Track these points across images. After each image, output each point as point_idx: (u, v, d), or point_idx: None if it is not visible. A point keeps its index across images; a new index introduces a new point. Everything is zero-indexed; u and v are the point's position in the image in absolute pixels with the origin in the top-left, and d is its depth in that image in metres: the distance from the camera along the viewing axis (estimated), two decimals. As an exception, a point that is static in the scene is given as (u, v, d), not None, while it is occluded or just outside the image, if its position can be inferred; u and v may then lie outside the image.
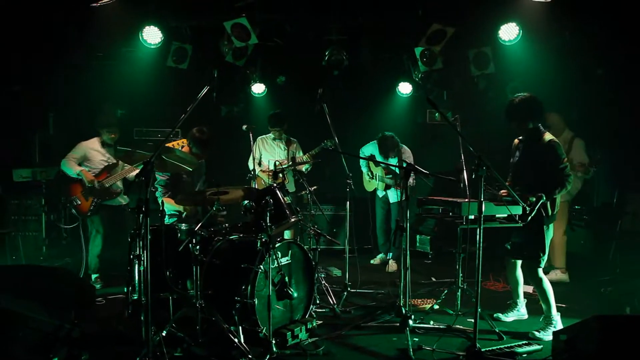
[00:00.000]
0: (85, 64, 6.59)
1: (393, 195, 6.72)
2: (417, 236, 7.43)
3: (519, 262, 4.55)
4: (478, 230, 3.54)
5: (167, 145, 4.07)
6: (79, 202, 5.53)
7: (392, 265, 6.63)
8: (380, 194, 6.90)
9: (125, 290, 4.07)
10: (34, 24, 5.71)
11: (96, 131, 5.74)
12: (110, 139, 5.69)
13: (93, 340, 3.94)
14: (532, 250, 4.25)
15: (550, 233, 4.28)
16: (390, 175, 6.63)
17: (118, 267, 5.72)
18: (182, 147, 4.88)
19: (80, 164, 5.56)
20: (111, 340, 4.05)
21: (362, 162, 6.91)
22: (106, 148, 5.68)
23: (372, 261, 7.03)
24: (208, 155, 5.10)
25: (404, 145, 6.66)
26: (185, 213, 4.65)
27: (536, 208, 4.01)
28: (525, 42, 5.95)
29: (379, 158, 6.63)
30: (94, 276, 5.71)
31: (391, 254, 6.78)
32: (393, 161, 6.59)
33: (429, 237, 7.32)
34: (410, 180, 6.10)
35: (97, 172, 5.61)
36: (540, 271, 4.28)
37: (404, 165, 4.26)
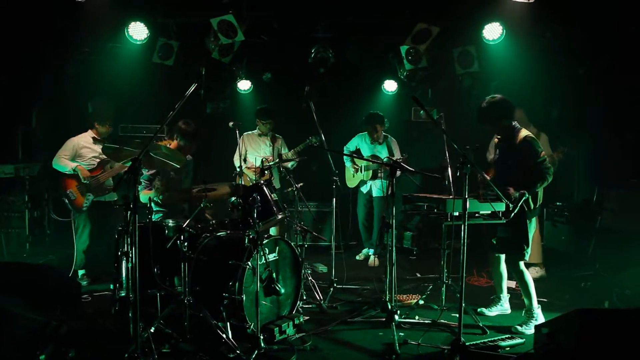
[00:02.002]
0: (69, 59, 6.52)
1: (377, 189, 6.77)
2: (404, 232, 7.50)
3: (503, 257, 4.65)
4: (462, 227, 3.61)
5: (156, 143, 4.07)
6: (75, 197, 5.50)
7: (375, 261, 6.72)
8: (364, 189, 6.93)
9: (112, 287, 4.09)
10: (19, 18, 5.63)
11: (90, 125, 5.71)
12: (105, 132, 5.69)
13: (80, 336, 3.93)
14: (516, 244, 4.35)
15: (532, 226, 4.39)
16: (377, 166, 6.69)
17: (103, 264, 5.73)
18: (169, 144, 4.87)
19: (72, 160, 5.54)
20: (98, 336, 4.03)
21: (346, 157, 6.97)
22: (98, 144, 5.66)
23: (357, 257, 7.09)
24: (196, 148, 5.06)
25: (389, 135, 6.82)
26: (161, 197, 4.62)
27: (519, 204, 4.10)
28: (509, 41, 6.04)
29: (365, 144, 6.73)
30: (80, 272, 5.68)
31: (372, 249, 6.86)
32: (380, 148, 6.69)
33: (413, 234, 7.39)
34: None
35: (92, 168, 5.59)
36: (522, 264, 4.39)
37: (391, 161, 4.33)
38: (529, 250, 4.37)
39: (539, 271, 5.86)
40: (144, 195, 4.62)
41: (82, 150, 5.60)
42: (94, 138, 5.67)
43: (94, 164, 5.60)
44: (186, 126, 4.83)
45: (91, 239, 5.69)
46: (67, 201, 5.54)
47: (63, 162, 5.50)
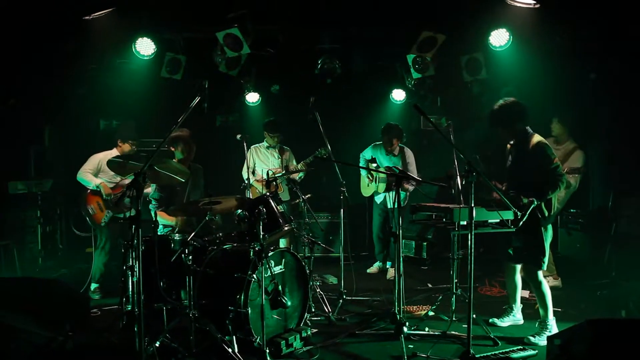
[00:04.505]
0: (79, 76, 6.61)
1: (391, 201, 6.68)
2: (416, 243, 7.41)
3: (519, 267, 4.56)
4: (469, 236, 3.55)
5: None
6: (95, 212, 5.59)
7: (391, 273, 6.61)
8: (378, 199, 6.85)
9: (119, 301, 4.09)
10: (28, 37, 5.74)
11: (115, 143, 5.83)
12: (128, 151, 5.81)
13: (87, 351, 3.94)
14: (533, 254, 4.26)
15: (549, 235, 4.29)
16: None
17: (115, 278, 5.75)
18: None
19: (95, 176, 5.62)
20: (105, 351, 4.03)
21: (362, 165, 6.90)
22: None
23: (368, 270, 6.94)
24: (195, 150, 5.06)
25: (406, 147, 6.71)
26: (177, 227, 4.64)
27: (528, 212, 4.02)
28: (516, 47, 5.97)
29: (381, 155, 6.65)
30: (93, 286, 5.70)
31: (390, 262, 6.77)
32: (395, 160, 6.61)
33: (425, 244, 7.30)
34: (409, 187, 6.12)
35: (114, 184, 5.67)
36: (541, 274, 4.29)
37: (397, 171, 4.30)
38: (546, 259, 4.27)
39: (552, 281, 5.73)
40: (162, 219, 4.66)
41: (105, 167, 5.65)
42: (117, 156, 5.75)
43: (116, 180, 5.69)
44: (180, 132, 4.85)
45: (111, 253, 5.75)
46: (87, 216, 5.62)
47: (88, 177, 5.59)
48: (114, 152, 5.79)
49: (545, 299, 4.28)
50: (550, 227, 4.31)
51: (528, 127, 4.34)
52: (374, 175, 6.72)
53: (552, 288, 5.44)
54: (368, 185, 6.87)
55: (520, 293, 4.71)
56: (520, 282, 4.63)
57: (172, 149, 4.95)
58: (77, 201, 5.80)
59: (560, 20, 5.71)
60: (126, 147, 5.82)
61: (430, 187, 6.73)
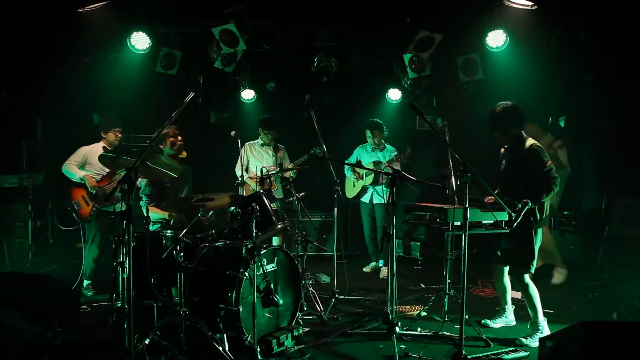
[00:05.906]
0: (73, 69, 6.55)
1: (378, 197, 6.69)
2: (411, 243, 7.40)
3: (507, 269, 4.55)
4: (463, 236, 3.53)
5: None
6: (80, 207, 5.50)
7: (384, 272, 6.60)
8: (365, 199, 6.84)
9: (109, 297, 4.05)
10: (21, 30, 5.67)
11: (99, 136, 5.75)
12: (113, 141, 5.72)
13: (76, 348, 3.90)
14: (522, 257, 4.25)
15: (539, 238, 4.28)
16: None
17: (107, 274, 5.69)
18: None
19: (81, 168, 5.54)
20: (94, 348, 3.99)
21: (347, 168, 6.91)
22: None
23: (364, 269, 6.98)
24: (183, 146, 5.03)
25: (388, 144, 6.78)
26: (172, 220, 4.61)
27: (522, 214, 4.01)
28: (513, 48, 5.97)
29: (366, 153, 6.73)
30: (86, 282, 5.63)
31: (382, 261, 6.76)
32: (380, 155, 6.67)
33: (418, 244, 7.29)
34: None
35: (99, 177, 5.59)
36: (527, 277, 4.29)
37: (392, 170, 4.28)
38: (535, 263, 4.26)
39: (560, 271, 5.89)
40: (154, 214, 4.62)
41: (93, 159, 5.58)
42: (104, 148, 5.69)
43: (103, 174, 5.61)
44: (167, 130, 4.80)
45: (101, 248, 5.67)
46: (73, 212, 5.54)
47: (72, 169, 5.51)
48: (100, 145, 5.71)
49: (533, 301, 4.28)
50: (540, 230, 4.31)
51: (523, 132, 4.34)
52: (360, 173, 6.74)
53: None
54: (354, 186, 6.88)
55: (512, 294, 4.70)
56: (509, 284, 4.63)
57: (161, 147, 4.91)
58: (63, 195, 5.72)
59: (557, 22, 5.72)
60: (111, 137, 5.72)
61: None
